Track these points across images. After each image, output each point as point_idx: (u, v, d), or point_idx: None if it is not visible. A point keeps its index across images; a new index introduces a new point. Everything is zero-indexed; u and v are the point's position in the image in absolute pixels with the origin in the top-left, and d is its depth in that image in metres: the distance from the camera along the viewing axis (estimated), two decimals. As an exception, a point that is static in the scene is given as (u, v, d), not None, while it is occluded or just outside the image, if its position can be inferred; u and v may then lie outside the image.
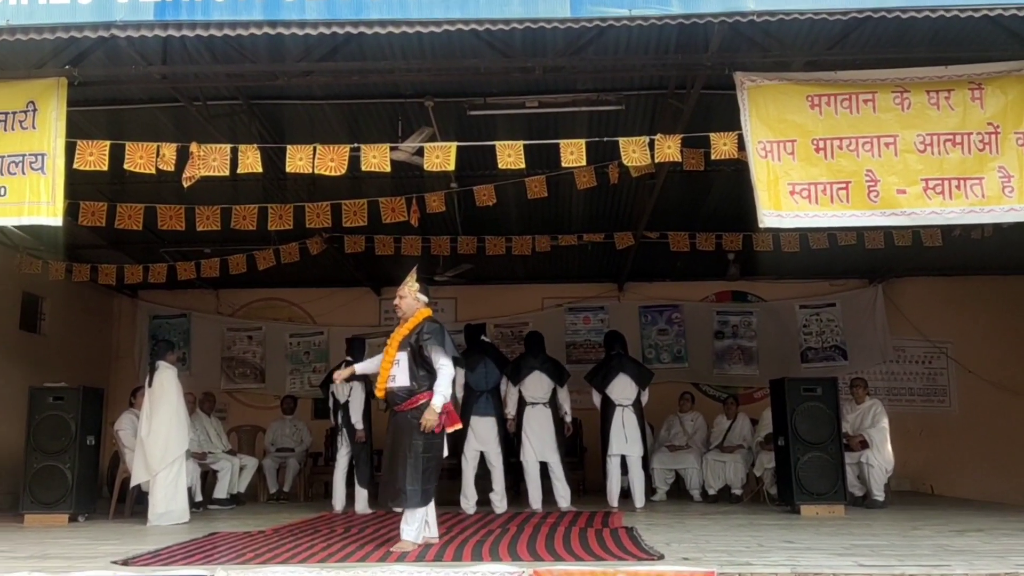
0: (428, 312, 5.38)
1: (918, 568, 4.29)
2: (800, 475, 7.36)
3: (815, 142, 5.53)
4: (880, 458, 8.14)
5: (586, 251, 10.12)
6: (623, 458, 8.03)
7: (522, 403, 8.01)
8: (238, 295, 11.94)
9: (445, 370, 5.15)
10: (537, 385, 8.01)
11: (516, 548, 5.16)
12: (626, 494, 8.18)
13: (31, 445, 7.36)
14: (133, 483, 7.44)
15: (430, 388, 5.14)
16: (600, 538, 5.61)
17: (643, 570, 4.21)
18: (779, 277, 11.33)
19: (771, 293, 11.73)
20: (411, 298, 5.36)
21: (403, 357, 5.19)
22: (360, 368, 5.89)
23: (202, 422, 9.04)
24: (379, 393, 5.26)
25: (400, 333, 5.27)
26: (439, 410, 5.10)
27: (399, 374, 5.17)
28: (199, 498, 8.28)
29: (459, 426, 5.39)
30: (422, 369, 5.17)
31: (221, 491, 8.74)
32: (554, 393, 8.06)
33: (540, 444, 7.94)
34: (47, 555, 5.19)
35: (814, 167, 5.51)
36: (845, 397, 8.49)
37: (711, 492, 9.07)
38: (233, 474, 8.87)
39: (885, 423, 8.33)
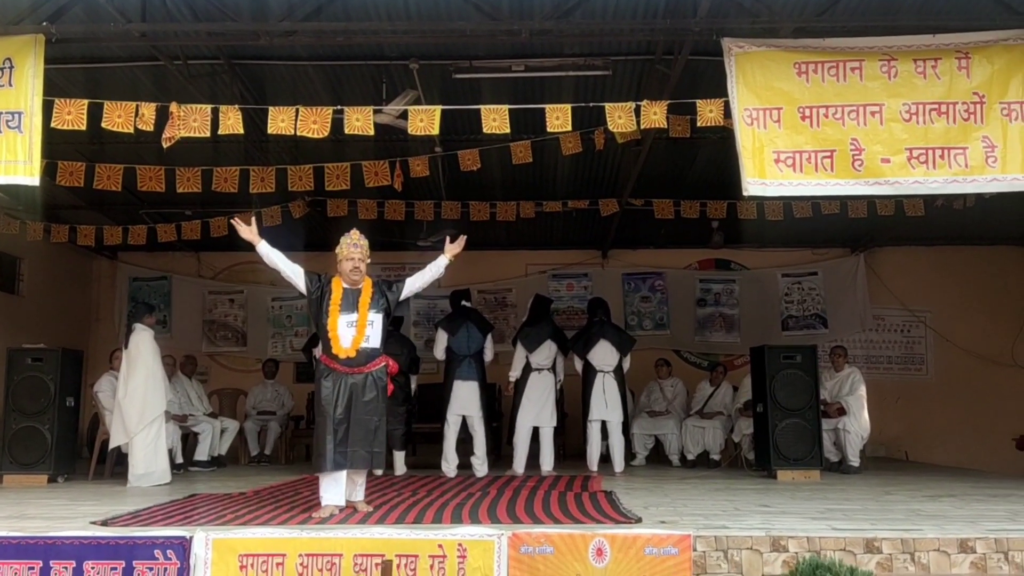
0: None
1: (891, 532, 4.36)
2: (778, 441, 7.45)
3: (801, 110, 5.52)
4: (857, 425, 8.24)
5: (570, 218, 10.10)
6: (603, 423, 8.10)
7: (527, 368, 8.03)
8: (220, 258, 11.79)
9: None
10: (546, 352, 8.04)
11: (496, 511, 5.21)
12: (606, 459, 8.25)
13: (9, 406, 7.32)
14: (112, 445, 7.43)
15: (385, 352, 5.35)
16: (579, 501, 5.67)
17: (621, 533, 4.26)
18: (762, 245, 11.38)
19: (754, 261, 11.77)
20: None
21: (377, 319, 5.27)
22: (270, 251, 5.34)
23: (183, 385, 9.00)
24: (350, 353, 5.17)
25: (366, 296, 5.28)
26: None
27: (373, 335, 5.24)
28: (180, 460, 8.29)
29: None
30: (385, 333, 5.37)
31: (202, 453, 8.73)
32: (555, 359, 8.11)
33: (538, 409, 7.97)
34: (25, 515, 5.19)
35: (799, 135, 5.51)
36: (824, 365, 8.56)
37: (690, 457, 9.18)
38: (214, 436, 8.87)
39: (863, 391, 8.43)
